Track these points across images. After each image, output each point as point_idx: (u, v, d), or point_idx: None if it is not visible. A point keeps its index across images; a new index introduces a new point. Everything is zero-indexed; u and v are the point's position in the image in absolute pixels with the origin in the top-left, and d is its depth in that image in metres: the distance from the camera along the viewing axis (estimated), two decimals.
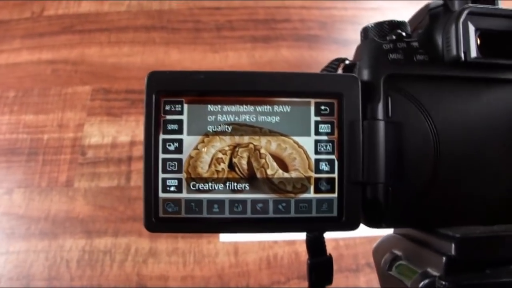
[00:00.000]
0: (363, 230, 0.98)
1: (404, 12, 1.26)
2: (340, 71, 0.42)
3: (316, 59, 1.26)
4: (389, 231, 0.47)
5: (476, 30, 0.38)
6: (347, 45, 1.25)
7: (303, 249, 1.00)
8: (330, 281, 0.52)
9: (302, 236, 0.97)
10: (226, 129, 0.37)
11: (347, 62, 0.42)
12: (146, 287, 0.98)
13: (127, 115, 1.19)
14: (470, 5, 0.38)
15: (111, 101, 1.21)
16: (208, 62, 1.26)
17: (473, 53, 0.37)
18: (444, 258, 0.35)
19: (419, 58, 0.39)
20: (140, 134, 1.15)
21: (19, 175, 1.13)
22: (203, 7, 1.38)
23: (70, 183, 1.10)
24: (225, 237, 1.02)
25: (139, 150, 1.13)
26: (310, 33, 1.35)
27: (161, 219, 0.36)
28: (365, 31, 0.42)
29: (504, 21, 0.39)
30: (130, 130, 1.17)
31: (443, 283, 0.33)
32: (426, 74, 0.39)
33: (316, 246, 0.50)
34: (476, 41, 0.38)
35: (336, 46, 1.29)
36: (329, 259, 0.51)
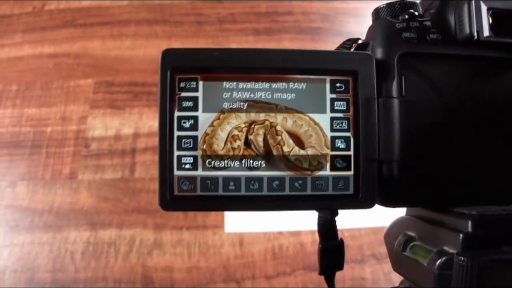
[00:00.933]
0: (368, 221, 0.98)
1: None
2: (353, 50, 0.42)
3: None
4: (398, 215, 0.47)
5: (488, 9, 0.38)
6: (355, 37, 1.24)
7: (308, 240, 1.00)
8: (341, 266, 0.52)
9: (307, 227, 0.98)
10: (242, 106, 0.37)
11: (360, 41, 0.42)
12: (151, 279, 0.97)
13: (130, 108, 1.18)
14: None
15: (114, 94, 1.21)
16: None
17: (486, 32, 0.38)
18: (461, 235, 0.35)
19: (432, 37, 0.39)
20: (144, 127, 1.15)
21: (23, 168, 1.12)
22: (205, 0, 1.37)
23: (74, 175, 1.10)
24: (230, 228, 1.02)
25: (143, 143, 1.13)
26: (313, 26, 1.35)
27: (176, 197, 0.36)
28: (377, 12, 0.42)
29: None
30: (134, 122, 1.16)
31: (462, 258, 0.33)
32: (439, 53, 0.39)
33: (328, 230, 0.50)
34: (488, 20, 0.38)
35: (339, 39, 1.26)
36: (341, 243, 0.51)
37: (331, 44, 1.31)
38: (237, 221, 1.03)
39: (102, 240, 1.02)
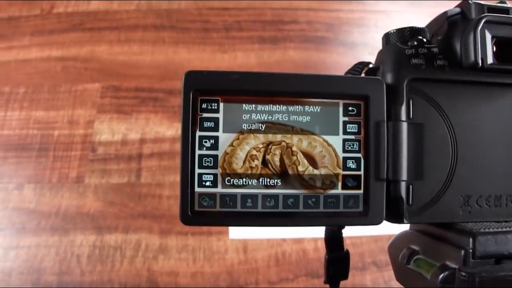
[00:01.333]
0: (369, 229, 1.00)
1: (410, 15, 1.28)
2: (363, 74, 0.44)
3: (323, 61, 1.27)
4: (403, 228, 0.49)
5: (493, 37, 0.40)
6: (353, 48, 1.27)
7: (310, 247, 1.02)
8: (346, 276, 0.54)
9: (309, 234, 0.99)
10: (260, 127, 0.39)
11: (370, 66, 0.44)
12: (156, 283, 0.99)
13: (137, 113, 1.20)
14: (487, 14, 0.40)
15: (121, 99, 1.22)
16: (217, 62, 1.27)
17: (490, 59, 0.39)
18: (462, 251, 0.37)
19: (439, 63, 0.41)
20: (150, 132, 1.17)
21: (30, 171, 1.14)
22: (212, 7, 1.39)
23: (80, 179, 1.12)
24: (235, 234, 1.04)
25: (149, 148, 1.15)
26: (317, 35, 1.36)
27: (197, 212, 0.38)
28: (387, 37, 0.44)
29: None
30: (140, 127, 1.18)
31: (463, 274, 0.35)
32: (446, 79, 0.41)
33: (334, 241, 0.52)
34: (493, 48, 0.40)
35: (343, 49, 1.30)
36: (346, 254, 0.53)
37: (335, 54, 1.34)
38: (241, 228, 1.04)
39: (108, 244, 1.04)
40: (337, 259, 0.53)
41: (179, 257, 1.02)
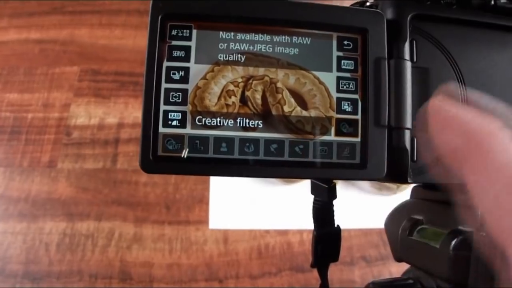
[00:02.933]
0: (358, 222, 0.95)
1: None
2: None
3: None
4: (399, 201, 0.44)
5: None
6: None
7: (296, 240, 0.97)
8: (336, 257, 0.49)
9: (295, 226, 0.94)
10: (239, 59, 0.33)
11: (368, 3, 0.39)
12: (129, 274, 0.93)
13: (116, 97, 1.14)
14: None
15: (100, 83, 1.17)
16: None
17: None
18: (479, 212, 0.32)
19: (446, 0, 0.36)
20: (129, 117, 1.11)
21: (0, 154, 1.08)
22: None
23: (53, 163, 1.06)
24: (215, 224, 0.98)
25: (127, 133, 1.09)
26: None
27: (160, 158, 0.32)
28: None
29: None
30: (119, 112, 1.12)
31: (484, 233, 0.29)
32: (453, 18, 0.36)
33: (324, 215, 0.47)
34: None
35: None
36: (338, 231, 0.48)
37: None
38: (222, 217, 0.99)
39: (79, 232, 0.98)
40: (327, 236, 0.48)
41: (155, 247, 0.96)
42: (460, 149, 0.19)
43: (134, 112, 1.12)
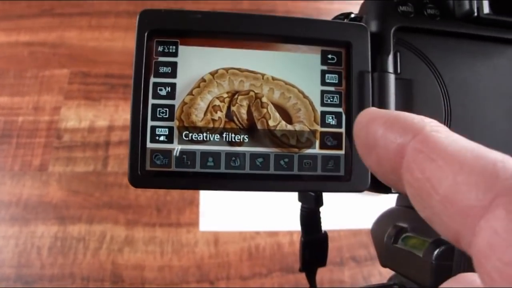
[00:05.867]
0: (348, 223, 0.96)
1: None
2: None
3: None
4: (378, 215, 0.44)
5: None
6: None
7: (286, 241, 0.97)
8: (324, 262, 0.49)
9: (285, 227, 0.95)
10: (225, 74, 0.33)
11: (352, 15, 0.39)
12: (121, 277, 0.94)
13: (106, 100, 1.14)
14: None
15: (90, 85, 1.17)
16: None
17: (486, 9, 0.36)
18: None
19: (430, 12, 0.38)
20: (119, 119, 1.12)
21: None
22: None
23: (44, 167, 1.06)
24: (206, 226, 0.99)
25: (117, 136, 1.10)
26: None
27: (148, 172, 0.33)
28: None
29: None
30: (109, 115, 1.12)
31: None
32: (437, 29, 0.37)
33: (311, 222, 0.47)
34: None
35: None
36: (325, 237, 0.48)
37: None
38: (212, 219, 1.00)
39: (71, 235, 0.98)
40: (314, 242, 0.48)
41: (146, 250, 0.96)
42: (404, 150, 0.18)
43: (124, 114, 1.12)
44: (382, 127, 0.19)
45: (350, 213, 0.97)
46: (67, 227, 0.99)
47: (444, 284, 0.19)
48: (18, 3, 1.32)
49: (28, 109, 1.14)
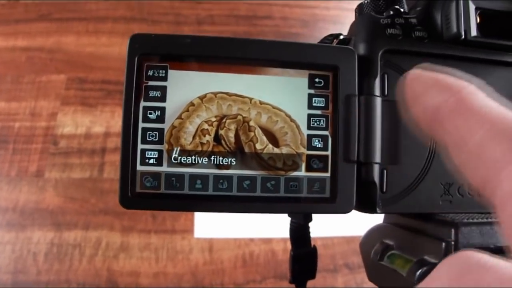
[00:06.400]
0: (341, 230, 0.97)
1: None
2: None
3: None
4: (372, 224, 0.45)
5: (477, 9, 0.37)
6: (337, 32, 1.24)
7: (279, 248, 0.98)
8: (313, 275, 0.50)
9: (279, 234, 0.95)
10: (213, 99, 0.34)
11: (341, 37, 0.40)
12: (116, 283, 0.94)
13: (103, 106, 1.15)
14: None
15: (87, 91, 1.17)
16: None
17: (473, 31, 0.36)
18: (443, 244, 0.33)
19: (418, 34, 0.38)
20: (115, 126, 1.12)
21: None
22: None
23: (40, 173, 1.06)
24: (200, 233, 0.99)
25: (114, 142, 1.10)
26: (292, 31, 1.33)
27: (138, 194, 0.33)
28: (360, 8, 0.41)
29: (504, 2, 0.37)
30: (105, 121, 1.13)
31: None
32: (425, 52, 0.37)
33: (300, 236, 0.48)
34: (476, 20, 0.37)
35: None
36: (314, 251, 0.49)
37: None
38: (207, 226, 1.00)
39: (67, 241, 0.99)
40: (303, 256, 0.49)
41: (141, 256, 0.97)
42: (442, 107, 0.21)
43: (120, 121, 1.12)
44: (424, 86, 0.22)
45: (343, 220, 0.98)
46: (63, 233, 0.99)
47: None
48: (15, 8, 1.32)
49: (25, 115, 1.14)
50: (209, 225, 1.00)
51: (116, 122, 1.13)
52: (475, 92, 0.20)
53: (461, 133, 0.20)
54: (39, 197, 1.04)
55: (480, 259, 0.18)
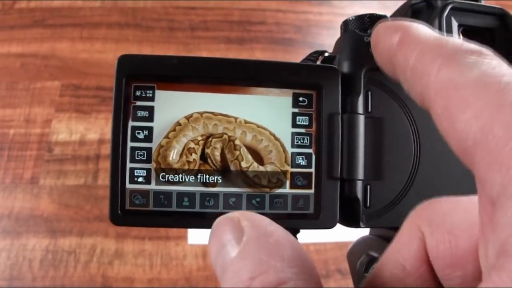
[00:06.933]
0: (334, 235, 0.97)
1: None
2: (319, 63, 0.41)
3: None
4: (364, 233, 0.46)
5: (460, 26, 0.38)
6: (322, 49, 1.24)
7: None
8: None
9: None
10: (199, 118, 0.35)
11: (326, 54, 0.41)
12: None
13: (97, 113, 1.16)
14: (453, 0, 0.38)
15: (81, 98, 1.18)
16: None
17: None
18: None
19: None
20: (109, 133, 1.12)
21: None
22: (178, 6, 1.35)
23: (35, 180, 1.07)
24: (194, 240, 1.00)
25: (108, 149, 1.10)
26: (285, 37, 1.34)
27: (128, 211, 0.34)
28: (345, 24, 0.41)
29: (486, 18, 0.39)
30: (99, 128, 1.14)
31: None
32: None
33: None
34: (459, 36, 0.37)
35: (310, 50, 1.27)
36: None
37: (302, 55, 1.30)
38: (200, 233, 1.01)
39: (62, 248, 0.99)
40: None
41: (136, 263, 0.98)
42: (393, 46, 0.22)
43: None
44: (383, 30, 0.23)
45: (336, 226, 0.98)
46: (58, 240, 1.00)
47: None
48: (10, 14, 1.33)
49: (19, 122, 1.15)
50: (202, 232, 1.01)
51: (110, 129, 1.13)
52: (418, 26, 0.22)
53: (405, 57, 0.22)
54: (34, 204, 1.04)
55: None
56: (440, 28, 0.37)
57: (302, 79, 0.36)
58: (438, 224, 0.23)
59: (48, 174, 1.08)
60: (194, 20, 1.33)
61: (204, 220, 0.35)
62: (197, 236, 1.00)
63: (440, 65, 0.20)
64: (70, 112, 1.16)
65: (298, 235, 0.48)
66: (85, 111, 1.16)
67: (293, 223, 0.36)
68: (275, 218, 0.35)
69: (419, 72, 0.21)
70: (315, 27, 1.36)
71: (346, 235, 0.98)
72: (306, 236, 0.48)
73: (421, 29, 0.22)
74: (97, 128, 1.14)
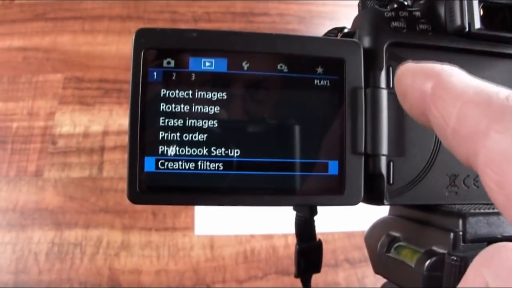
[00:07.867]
0: (342, 225, 0.97)
1: None
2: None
3: None
4: (371, 219, 0.45)
5: (480, 1, 0.37)
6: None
7: (280, 244, 0.98)
8: (318, 269, 0.50)
9: (280, 230, 0.95)
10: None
11: (345, 30, 0.40)
12: (118, 281, 0.94)
13: (100, 105, 1.15)
14: None
15: (84, 90, 1.17)
16: None
17: (477, 24, 0.37)
18: (451, 234, 0.33)
19: (422, 27, 0.38)
20: (113, 124, 1.12)
21: None
22: None
23: (39, 173, 1.06)
24: (201, 230, 0.99)
25: (112, 140, 1.10)
26: (288, 28, 1.33)
27: (147, 189, 0.33)
28: (363, 1, 0.40)
29: None
30: (103, 119, 1.13)
31: (454, 258, 0.31)
32: (429, 44, 0.38)
33: (306, 230, 0.48)
34: (480, 12, 0.37)
35: None
36: (319, 245, 0.49)
37: None
38: (207, 223, 1.00)
39: (68, 240, 0.98)
40: (309, 250, 0.49)
41: (142, 254, 0.97)
42: (425, 94, 0.22)
43: (118, 119, 1.12)
44: (410, 78, 0.23)
45: (344, 216, 0.98)
46: (63, 232, 0.99)
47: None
48: (11, 8, 1.32)
49: (22, 115, 1.14)
50: (210, 222, 1.00)
51: (114, 121, 1.12)
52: (451, 72, 0.21)
53: (442, 114, 0.20)
54: (38, 197, 1.03)
55: (507, 244, 0.18)
56: (461, 4, 0.37)
57: (324, 53, 0.35)
58: (505, 279, 0.20)
59: (53, 167, 1.07)
60: (197, 11, 1.33)
61: (226, 197, 0.34)
62: (204, 227, 1.00)
63: (487, 129, 0.18)
64: (73, 104, 1.15)
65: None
66: (89, 103, 1.15)
67: (317, 199, 0.35)
68: (300, 194, 0.35)
69: (462, 135, 0.19)
70: (318, 18, 1.35)
71: (354, 224, 0.98)
72: (316, 216, 0.47)
73: (456, 76, 0.21)
74: (101, 120, 1.13)
